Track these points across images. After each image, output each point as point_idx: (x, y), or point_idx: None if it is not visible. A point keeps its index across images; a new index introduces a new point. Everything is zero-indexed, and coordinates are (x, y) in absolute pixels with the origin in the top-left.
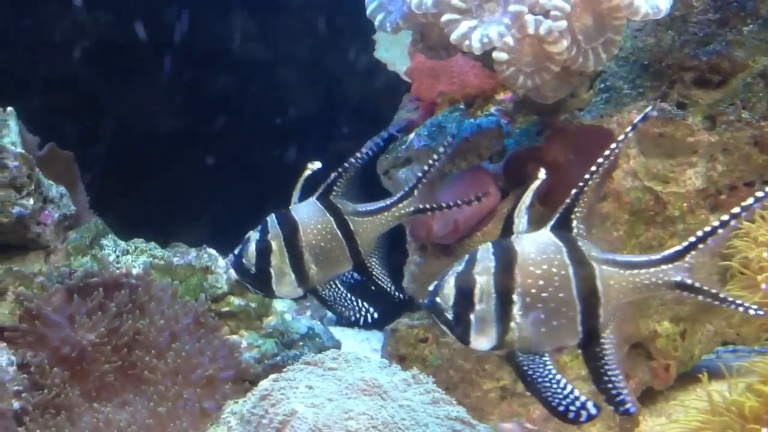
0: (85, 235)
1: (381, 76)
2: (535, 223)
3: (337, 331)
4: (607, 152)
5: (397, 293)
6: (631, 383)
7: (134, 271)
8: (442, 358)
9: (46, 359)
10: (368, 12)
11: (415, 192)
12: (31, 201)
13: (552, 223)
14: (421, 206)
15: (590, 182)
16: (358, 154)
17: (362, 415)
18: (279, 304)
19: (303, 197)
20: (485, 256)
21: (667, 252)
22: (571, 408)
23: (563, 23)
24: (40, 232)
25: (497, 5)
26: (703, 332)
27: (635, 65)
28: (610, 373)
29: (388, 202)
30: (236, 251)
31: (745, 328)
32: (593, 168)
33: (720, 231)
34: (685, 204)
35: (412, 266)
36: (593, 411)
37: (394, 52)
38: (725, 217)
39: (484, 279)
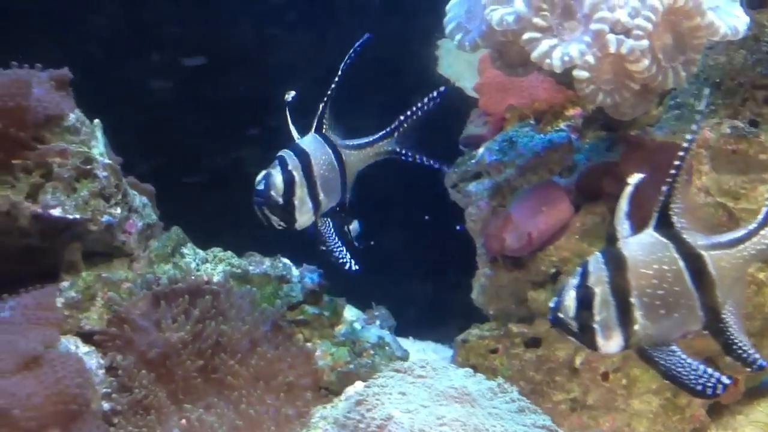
0: (167, 243)
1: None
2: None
3: None
4: (685, 145)
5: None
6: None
7: (214, 279)
8: (512, 368)
9: (134, 362)
10: (447, 32)
11: (396, 134)
12: (119, 210)
13: (653, 223)
14: (398, 149)
15: (677, 178)
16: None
17: (455, 422)
18: (348, 313)
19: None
20: (597, 266)
21: (761, 217)
22: (708, 385)
23: (645, 42)
24: (125, 240)
25: (578, 23)
26: None
27: (706, 83)
28: (737, 341)
29: (370, 139)
30: (260, 187)
31: None
32: (676, 163)
33: None
34: None
35: (482, 278)
36: (727, 381)
37: (457, 68)
38: None
39: (600, 288)
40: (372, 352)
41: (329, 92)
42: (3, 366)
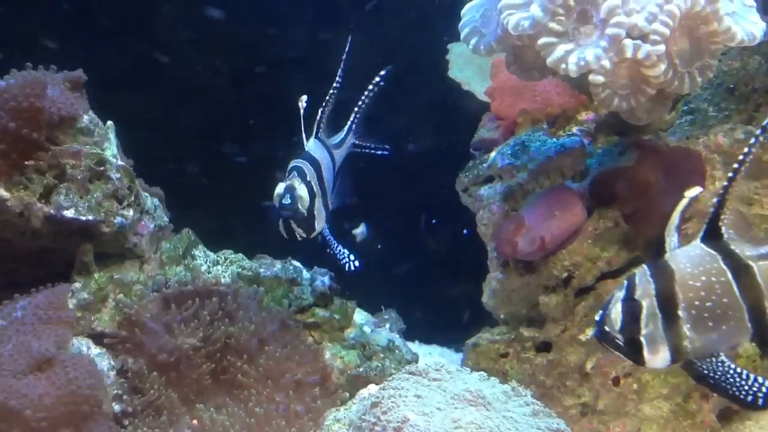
0: (178, 245)
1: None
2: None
3: None
4: (741, 157)
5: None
6: (709, 403)
7: (223, 281)
8: (523, 373)
9: (144, 365)
10: (462, 36)
11: (353, 128)
12: (131, 212)
13: (701, 234)
14: (357, 142)
15: (730, 188)
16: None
17: (471, 425)
18: (357, 317)
19: None
20: (644, 279)
21: None
22: (759, 395)
23: (662, 48)
24: (137, 242)
25: (594, 28)
26: None
27: (720, 88)
28: None
29: (343, 136)
30: (286, 201)
31: None
32: (730, 175)
33: None
34: None
35: (493, 282)
36: None
37: (467, 72)
38: None
39: (647, 301)
40: (382, 355)
41: (328, 97)
42: (16, 367)
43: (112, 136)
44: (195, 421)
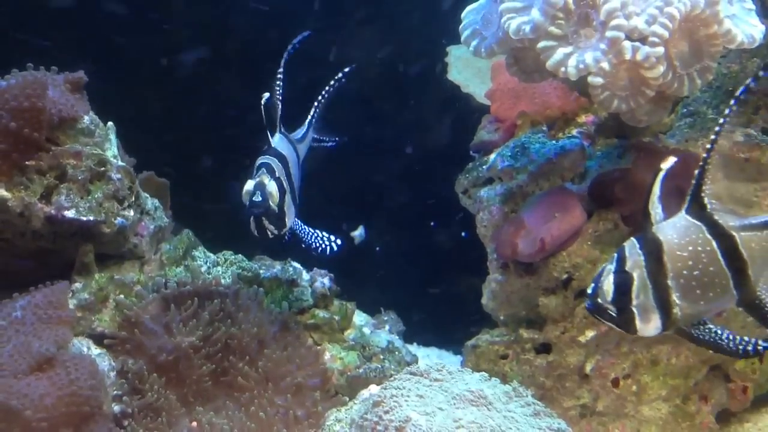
0: (178, 246)
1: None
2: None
3: None
4: (712, 136)
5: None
6: (708, 405)
7: (223, 282)
8: (522, 374)
9: (144, 366)
10: (462, 38)
11: (313, 123)
12: (132, 212)
13: (685, 206)
14: (316, 136)
15: (708, 161)
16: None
17: (472, 424)
18: (357, 318)
19: None
20: (633, 251)
21: None
22: (748, 348)
23: (661, 49)
24: (137, 243)
25: (594, 30)
26: None
27: (719, 91)
28: None
29: (305, 130)
30: (257, 198)
31: None
32: (708, 146)
33: None
34: None
35: (492, 284)
36: (764, 343)
37: (466, 74)
38: None
39: (637, 272)
40: (382, 356)
41: (278, 91)
42: (16, 367)
43: (112, 136)
44: (194, 423)
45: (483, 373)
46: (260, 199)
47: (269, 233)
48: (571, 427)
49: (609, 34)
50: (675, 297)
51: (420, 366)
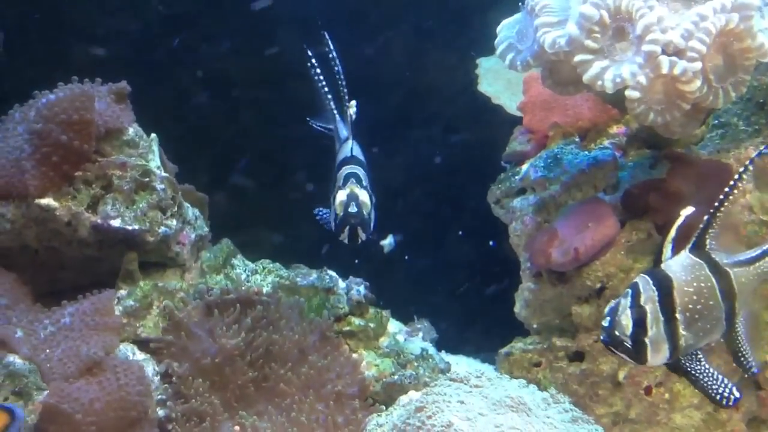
0: (218, 255)
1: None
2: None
3: None
4: (731, 182)
5: None
6: (739, 413)
7: (264, 290)
8: (555, 382)
9: (189, 369)
10: (498, 52)
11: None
12: (174, 222)
13: (690, 246)
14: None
15: (719, 211)
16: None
17: (513, 429)
18: (391, 326)
19: None
20: (647, 287)
21: None
22: (725, 394)
23: (699, 64)
24: (179, 251)
25: (629, 44)
26: None
27: (749, 103)
28: (742, 350)
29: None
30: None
31: None
32: (721, 197)
33: None
34: None
35: (525, 292)
36: (737, 395)
37: (497, 86)
38: None
39: (650, 306)
40: (416, 363)
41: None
42: (65, 370)
43: (155, 147)
44: (237, 428)
45: (521, 379)
46: (355, 210)
47: (359, 240)
48: None
49: (646, 48)
50: (681, 329)
51: (459, 372)
